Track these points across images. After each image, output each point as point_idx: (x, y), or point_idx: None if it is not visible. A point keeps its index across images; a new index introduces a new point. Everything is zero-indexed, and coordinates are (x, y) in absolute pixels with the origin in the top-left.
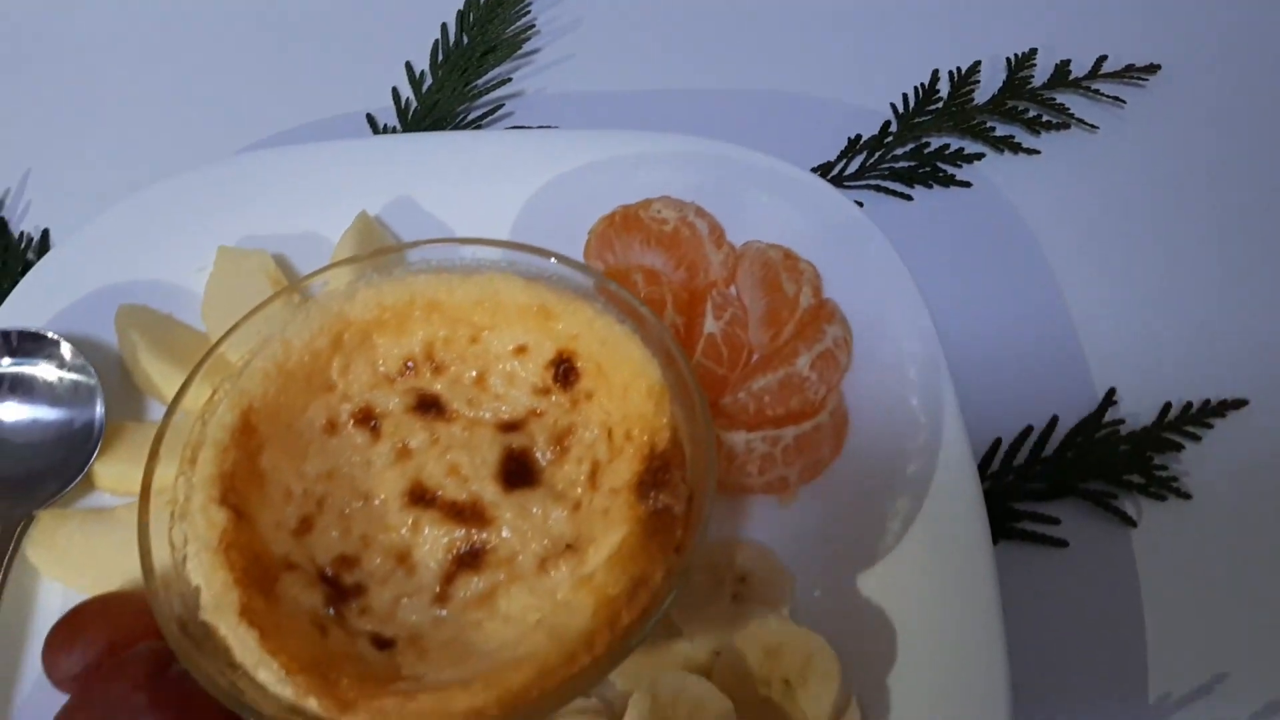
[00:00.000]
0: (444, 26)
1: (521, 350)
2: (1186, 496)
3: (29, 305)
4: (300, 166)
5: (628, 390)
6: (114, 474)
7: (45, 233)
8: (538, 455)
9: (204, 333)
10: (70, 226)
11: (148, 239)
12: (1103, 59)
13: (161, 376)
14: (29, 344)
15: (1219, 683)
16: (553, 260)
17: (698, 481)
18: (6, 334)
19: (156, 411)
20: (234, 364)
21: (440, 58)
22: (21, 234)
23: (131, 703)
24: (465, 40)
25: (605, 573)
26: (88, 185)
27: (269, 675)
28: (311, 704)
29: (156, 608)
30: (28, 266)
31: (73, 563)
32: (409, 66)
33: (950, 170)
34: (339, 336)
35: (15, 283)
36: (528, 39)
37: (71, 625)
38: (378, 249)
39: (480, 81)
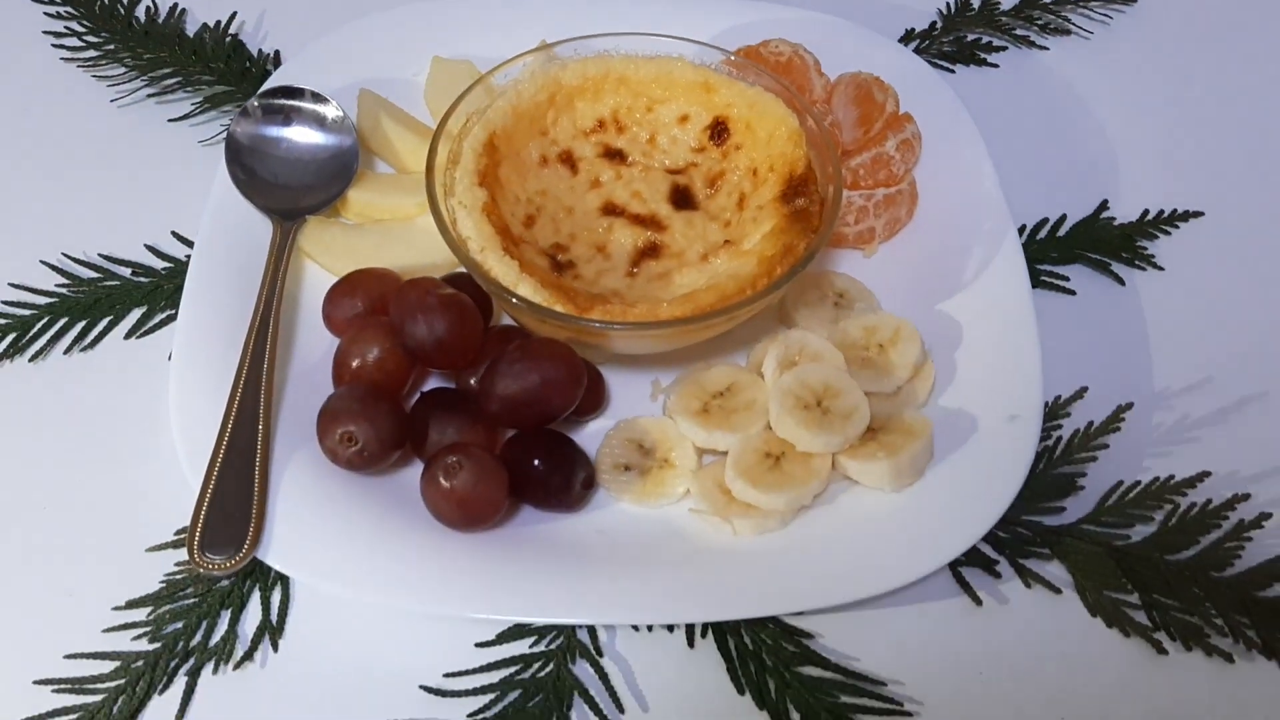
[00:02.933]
0: None
1: (684, 119)
2: (1160, 269)
3: None
4: (487, 6)
5: (771, 137)
6: (360, 200)
7: (277, 52)
8: (696, 191)
9: (420, 120)
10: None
11: (371, 50)
12: None
13: (397, 137)
14: (308, 96)
15: (1198, 385)
16: (715, 47)
17: (827, 195)
18: (291, 86)
19: (384, 170)
20: (453, 132)
21: None
22: (259, 51)
23: (426, 302)
24: None
25: (762, 243)
26: (309, 24)
27: (527, 289)
28: (559, 307)
29: (448, 240)
30: (266, 75)
31: (336, 254)
32: None
33: (983, 55)
34: (554, 96)
35: (257, 87)
36: None
37: (348, 283)
38: (584, 35)
39: None
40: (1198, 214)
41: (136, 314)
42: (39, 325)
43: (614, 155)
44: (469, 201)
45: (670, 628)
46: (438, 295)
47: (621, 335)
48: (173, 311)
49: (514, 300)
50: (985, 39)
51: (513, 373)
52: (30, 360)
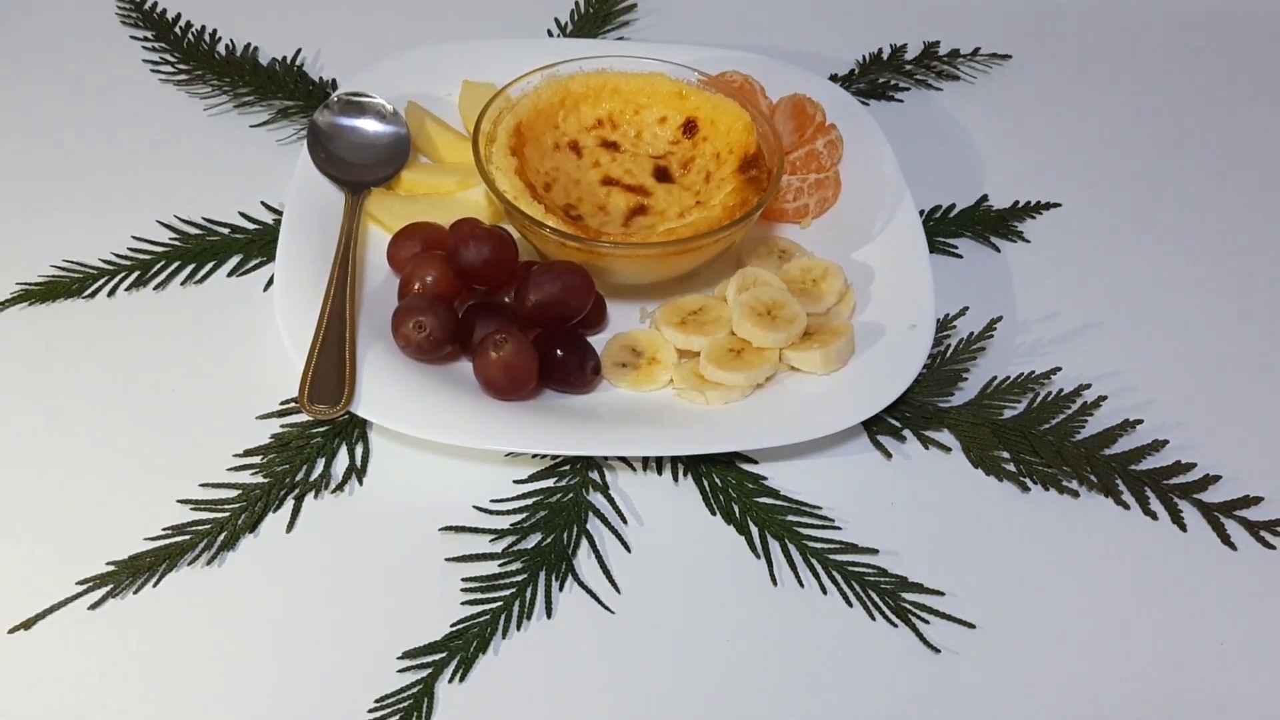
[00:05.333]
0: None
1: (663, 119)
2: (1028, 241)
3: None
4: (502, 46)
5: (730, 129)
6: (411, 179)
7: (334, 79)
8: (674, 171)
9: (454, 127)
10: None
11: (411, 75)
12: (978, 48)
13: (439, 137)
14: (373, 98)
15: (1053, 316)
16: (686, 67)
17: (773, 170)
18: (360, 91)
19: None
20: (485, 126)
21: (577, 16)
22: (320, 78)
23: (475, 232)
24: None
25: (724, 199)
26: (359, 58)
27: (553, 223)
28: (577, 234)
29: (493, 191)
30: (326, 96)
31: (394, 217)
32: (556, 20)
33: (891, 94)
34: (564, 99)
35: (320, 103)
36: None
37: (407, 231)
38: (582, 55)
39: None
40: (1056, 204)
41: (235, 259)
42: (157, 266)
43: (609, 145)
44: (504, 166)
45: (659, 468)
46: (484, 227)
47: (623, 254)
48: (264, 259)
49: (543, 229)
50: (893, 81)
51: (540, 282)
52: (154, 290)
